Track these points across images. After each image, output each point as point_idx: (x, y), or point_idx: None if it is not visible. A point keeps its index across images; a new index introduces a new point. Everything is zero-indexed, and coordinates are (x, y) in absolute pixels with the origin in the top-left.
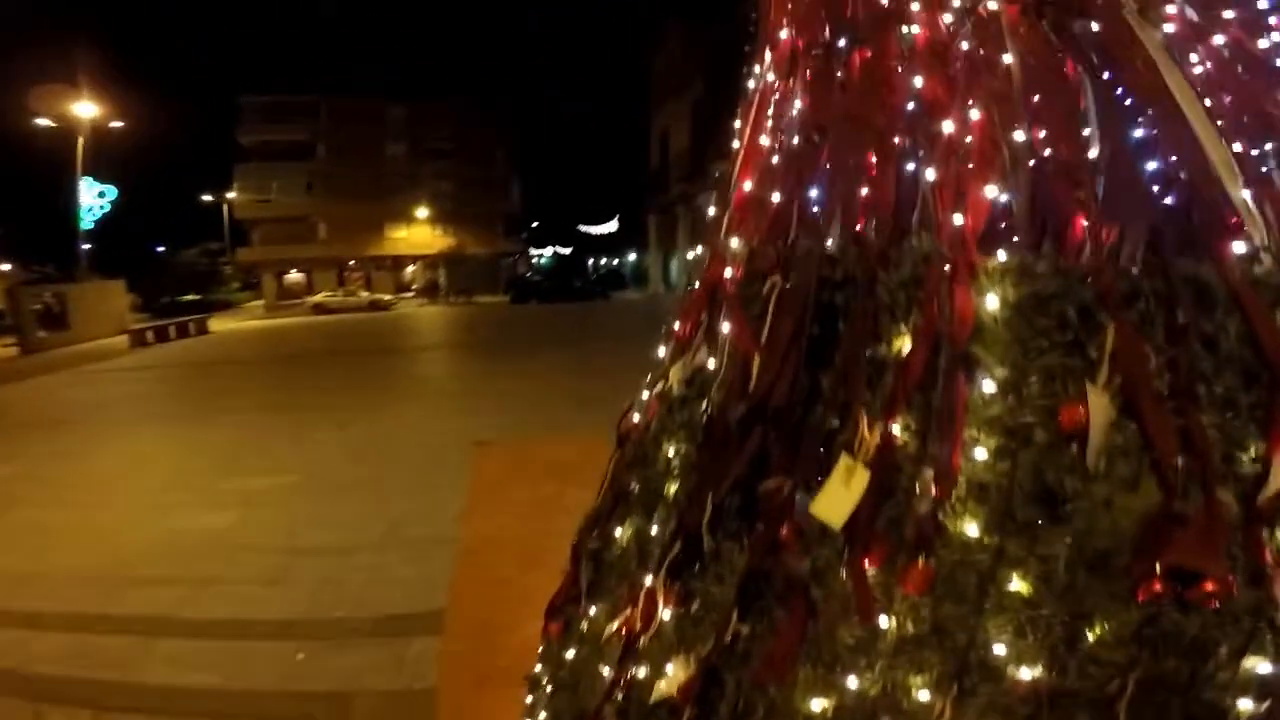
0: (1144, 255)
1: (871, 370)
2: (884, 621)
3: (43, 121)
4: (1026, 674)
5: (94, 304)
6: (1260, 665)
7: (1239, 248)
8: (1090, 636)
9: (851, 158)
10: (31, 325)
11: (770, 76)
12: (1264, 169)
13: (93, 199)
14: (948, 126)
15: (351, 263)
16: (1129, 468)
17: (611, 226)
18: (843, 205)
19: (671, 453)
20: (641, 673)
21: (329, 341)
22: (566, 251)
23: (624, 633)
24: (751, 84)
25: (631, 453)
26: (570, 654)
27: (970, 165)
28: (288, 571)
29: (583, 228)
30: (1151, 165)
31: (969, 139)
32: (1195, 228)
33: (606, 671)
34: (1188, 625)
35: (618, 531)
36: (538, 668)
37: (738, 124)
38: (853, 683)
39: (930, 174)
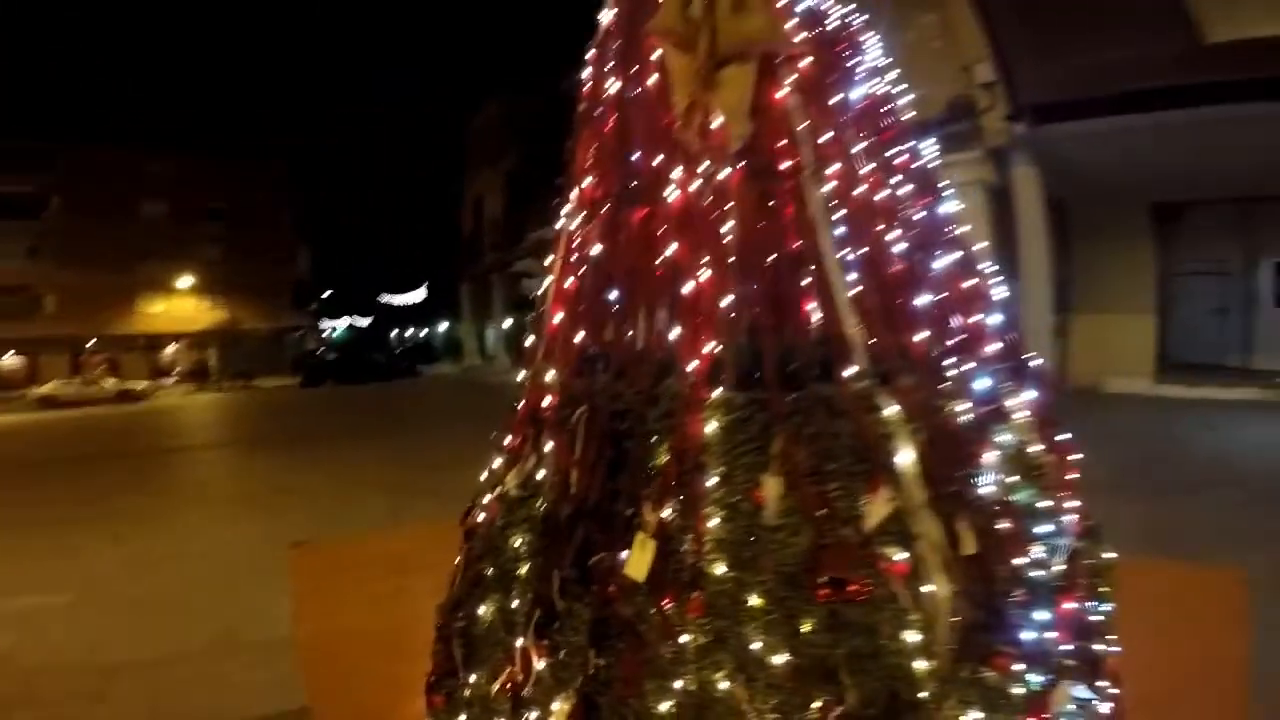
0: (797, 384)
1: (648, 476)
2: (685, 638)
3: None
4: (779, 659)
5: None
6: (914, 636)
7: (850, 370)
8: (805, 628)
9: (631, 308)
10: None
11: (576, 218)
12: (868, 307)
13: None
14: (687, 288)
15: (91, 344)
16: (795, 520)
17: (419, 295)
18: (625, 350)
19: (519, 543)
20: (534, 715)
21: (70, 445)
22: (364, 323)
23: (509, 687)
24: (560, 222)
25: (481, 545)
26: (461, 718)
27: (700, 322)
28: (109, 688)
29: (385, 297)
30: (812, 310)
31: (701, 299)
32: (828, 358)
33: None
34: (854, 615)
35: (481, 609)
36: None
37: (550, 258)
38: (679, 685)
39: (676, 330)
